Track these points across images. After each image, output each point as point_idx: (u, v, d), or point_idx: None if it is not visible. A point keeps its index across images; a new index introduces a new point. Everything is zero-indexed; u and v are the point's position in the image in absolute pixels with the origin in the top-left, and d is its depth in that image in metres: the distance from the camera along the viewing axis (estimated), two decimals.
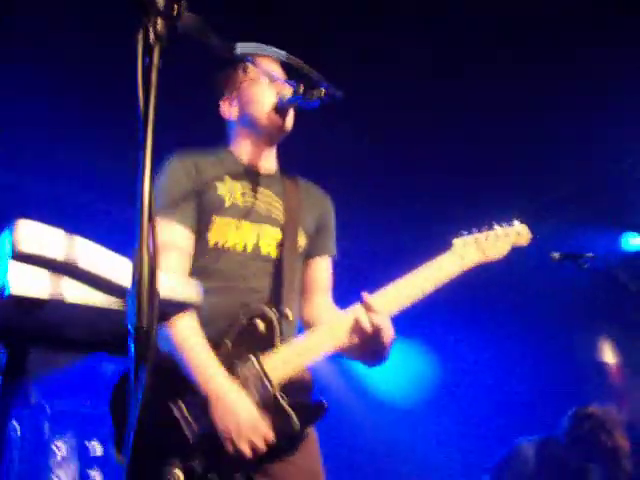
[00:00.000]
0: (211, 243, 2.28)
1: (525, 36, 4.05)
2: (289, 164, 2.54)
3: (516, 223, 2.39)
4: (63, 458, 4.60)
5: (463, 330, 6.31)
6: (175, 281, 1.40)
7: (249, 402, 2.08)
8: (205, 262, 2.28)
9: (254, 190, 2.39)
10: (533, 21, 3.95)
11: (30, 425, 4.51)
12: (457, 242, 2.28)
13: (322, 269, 2.52)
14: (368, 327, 2.13)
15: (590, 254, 3.45)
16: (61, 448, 4.61)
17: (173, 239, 2.22)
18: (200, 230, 2.29)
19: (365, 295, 2.17)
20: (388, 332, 2.16)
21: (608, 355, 6.60)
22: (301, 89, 2.21)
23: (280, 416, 2.10)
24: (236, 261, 2.29)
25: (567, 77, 4.30)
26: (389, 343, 2.18)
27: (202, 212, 2.29)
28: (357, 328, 2.15)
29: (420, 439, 6.19)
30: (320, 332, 2.20)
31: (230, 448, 2.03)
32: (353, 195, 4.88)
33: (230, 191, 2.34)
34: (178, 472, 2.01)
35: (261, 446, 2.04)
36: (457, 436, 6.08)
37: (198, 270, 2.26)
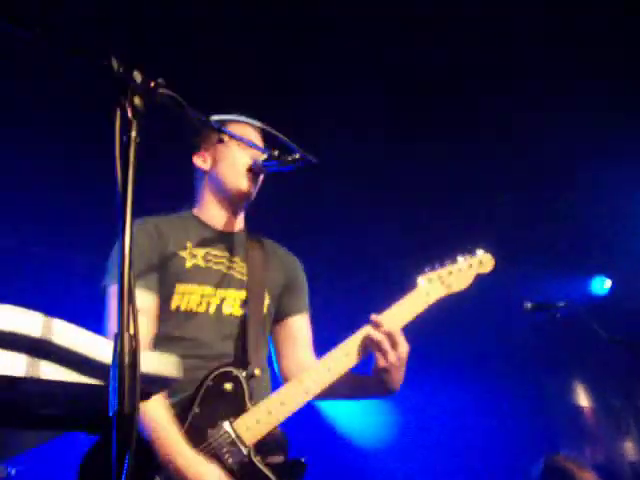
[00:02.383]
0: (173, 307, 2.27)
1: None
2: (257, 225, 2.54)
3: (479, 252, 2.40)
4: None
5: (431, 376, 6.28)
6: (156, 359, 1.37)
7: (214, 472, 2.04)
8: (168, 328, 2.25)
9: (217, 253, 2.38)
10: None
11: None
12: (421, 280, 2.30)
13: (298, 326, 2.50)
14: (382, 337, 2.13)
15: (562, 303, 3.50)
16: None
17: (141, 305, 2.20)
18: (163, 296, 2.27)
19: (373, 315, 2.18)
20: (404, 344, 2.16)
21: (582, 399, 6.64)
22: (275, 154, 2.23)
23: (258, 478, 2.06)
24: (199, 325, 2.27)
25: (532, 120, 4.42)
26: (405, 359, 2.17)
27: (165, 278, 2.28)
28: (365, 345, 2.16)
29: None
30: (297, 380, 2.20)
31: None
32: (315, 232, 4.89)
33: (193, 255, 2.33)
34: None
35: None
36: None
37: (161, 337, 2.24)
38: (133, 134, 1.41)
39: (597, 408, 6.62)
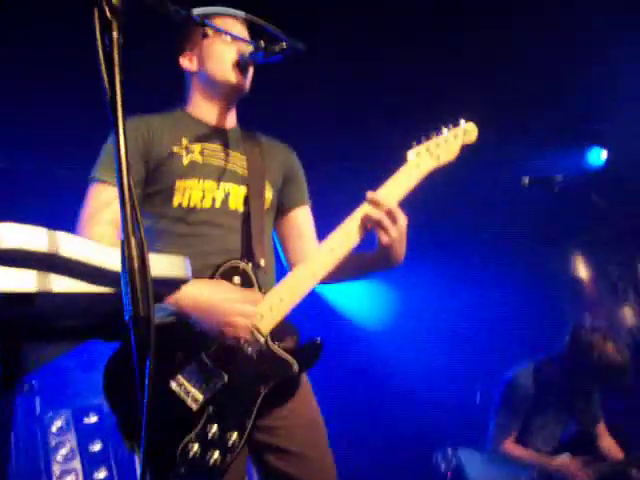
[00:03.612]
0: (175, 204, 2.25)
1: None
2: (250, 121, 2.50)
3: (462, 122, 2.40)
4: (59, 431, 4.60)
5: (431, 257, 6.31)
6: (164, 261, 1.37)
7: (218, 290, 2.13)
8: (169, 225, 2.25)
9: (214, 148, 2.36)
10: None
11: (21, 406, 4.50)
12: (410, 154, 2.30)
13: (301, 218, 2.52)
14: (382, 215, 2.15)
15: (559, 177, 3.48)
16: (55, 423, 4.61)
17: (110, 200, 2.19)
18: (163, 195, 2.26)
19: (369, 193, 2.19)
20: (403, 217, 2.18)
21: (580, 269, 6.76)
22: (262, 44, 2.17)
23: (278, 363, 2.12)
24: (203, 220, 2.27)
25: None
26: (405, 232, 2.20)
27: (162, 177, 2.26)
28: (365, 224, 2.18)
29: (401, 364, 6.22)
30: (302, 265, 2.21)
31: (232, 341, 2.09)
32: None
33: (189, 151, 2.31)
34: (193, 443, 2.02)
35: (249, 312, 2.10)
36: (441, 359, 6.14)
37: (162, 232, 2.24)
38: (115, 34, 1.36)
39: (595, 277, 6.76)
